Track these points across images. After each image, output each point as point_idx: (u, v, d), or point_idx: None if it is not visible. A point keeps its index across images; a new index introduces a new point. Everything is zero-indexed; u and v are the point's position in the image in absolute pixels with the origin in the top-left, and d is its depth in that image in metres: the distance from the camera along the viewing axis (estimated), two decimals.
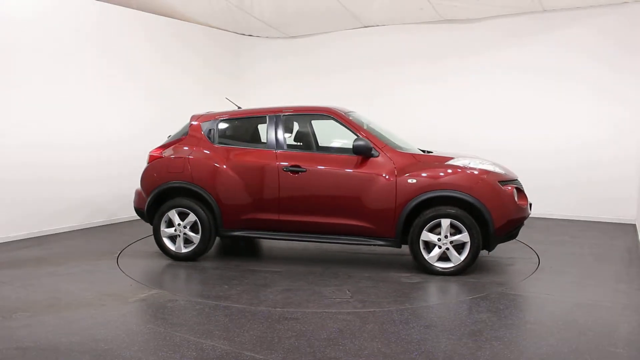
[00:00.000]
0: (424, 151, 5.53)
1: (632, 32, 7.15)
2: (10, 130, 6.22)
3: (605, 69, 7.32)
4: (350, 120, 5.25)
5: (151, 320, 3.73)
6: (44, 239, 6.36)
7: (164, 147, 5.71)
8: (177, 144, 5.65)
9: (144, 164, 5.64)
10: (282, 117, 5.43)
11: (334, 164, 5.13)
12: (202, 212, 5.33)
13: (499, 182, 4.83)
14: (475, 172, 4.87)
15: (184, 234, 5.40)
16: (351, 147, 5.02)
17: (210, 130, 5.60)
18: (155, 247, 5.57)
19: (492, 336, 3.42)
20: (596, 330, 3.52)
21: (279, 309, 3.93)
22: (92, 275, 4.87)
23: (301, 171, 5.12)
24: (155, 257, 5.57)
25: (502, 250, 5.76)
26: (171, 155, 5.58)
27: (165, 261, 5.42)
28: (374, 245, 5.04)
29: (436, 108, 8.47)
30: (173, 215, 5.42)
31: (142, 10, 7.75)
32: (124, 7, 7.47)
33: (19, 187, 6.30)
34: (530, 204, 5.12)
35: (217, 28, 9.09)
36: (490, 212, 4.72)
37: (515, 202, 4.84)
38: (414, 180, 4.83)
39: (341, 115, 5.26)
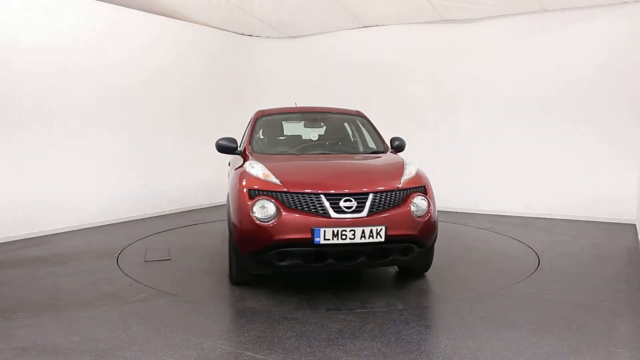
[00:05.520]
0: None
1: (632, 32, 7.14)
2: (12, 130, 6.22)
3: (605, 68, 7.31)
4: (252, 122, 5.58)
5: (151, 320, 3.72)
6: (44, 239, 6.35)
7: None
8: None
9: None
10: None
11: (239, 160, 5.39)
12: None
13: (248, 189, 4.06)
14: (235, 177, 4.46)
15: None
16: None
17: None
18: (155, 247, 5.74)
19: (492, 336, 3.42)
20: (596, 330, 3.52)
21: (278, 309, 3.93)
22: (92, 275, 4.87)
23: None
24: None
25: (502, 250, 5.77)
26: None
27: (165, 261, 5.42)
28: None
29: (435, 108, 8.47)
30: None
31: (142, 10, 7.74)
32: (123, 7, 7.46)
33: (19, 186, 6.30)
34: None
35: (217, 28, 9.09)
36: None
37: (250, 215, 3.93)
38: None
39: (253, 118, 5.66)
